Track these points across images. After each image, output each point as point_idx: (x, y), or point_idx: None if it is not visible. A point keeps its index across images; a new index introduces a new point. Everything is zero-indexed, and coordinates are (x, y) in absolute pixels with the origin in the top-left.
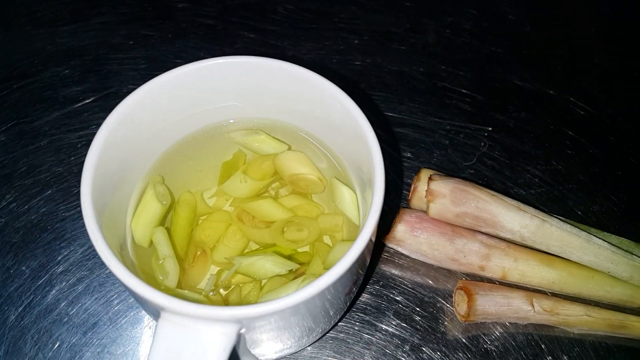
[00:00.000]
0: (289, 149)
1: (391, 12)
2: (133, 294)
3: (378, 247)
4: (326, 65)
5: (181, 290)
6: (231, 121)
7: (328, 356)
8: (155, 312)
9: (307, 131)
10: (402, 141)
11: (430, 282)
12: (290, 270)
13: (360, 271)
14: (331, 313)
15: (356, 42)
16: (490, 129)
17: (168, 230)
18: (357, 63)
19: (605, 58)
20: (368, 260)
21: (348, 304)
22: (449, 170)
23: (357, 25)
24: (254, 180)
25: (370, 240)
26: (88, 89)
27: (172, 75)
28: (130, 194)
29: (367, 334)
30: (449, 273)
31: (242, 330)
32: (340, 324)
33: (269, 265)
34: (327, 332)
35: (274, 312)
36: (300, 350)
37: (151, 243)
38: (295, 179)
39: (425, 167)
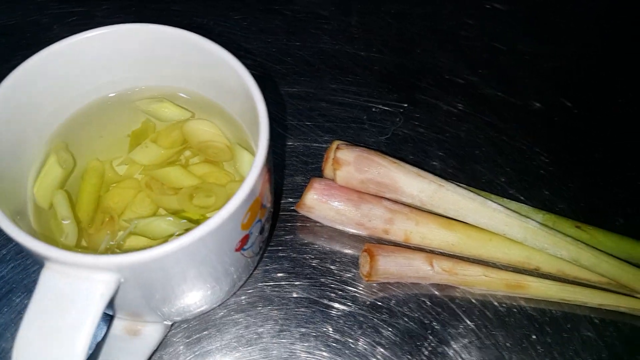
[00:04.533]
0: (193, 116)
1: None
2: (20, 246)
3: (276, 213)
4: (251, 44)
5: (75, 249)
6: (135, 90)
7: (239, 318)
8: (42, 264)
9: (208, 98)
10: (322, 117)
11: (339, 247)
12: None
13: (254, 231)
14: (231, 269)
15: (281, 22)
16: (405, 105)
17: (72, 194)
18: (281, 42)
19: (526, 40)
20: (263, 219)
21: (249, 262)
22: (365, 143)
23: (282, 5)
24: (163, 148)
25: (253, 195)
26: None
27: (65, 44)
28: (33, 160)
29: (279, 297)
30: (358, 238)
31: (122, 280)
32: (252, 286)
33: (164, 225)
34: (235, 293)
35: (151, 259)
36: (208, 313)
37: (52, 205)
38: (204, 146)
39: (339, 140)
